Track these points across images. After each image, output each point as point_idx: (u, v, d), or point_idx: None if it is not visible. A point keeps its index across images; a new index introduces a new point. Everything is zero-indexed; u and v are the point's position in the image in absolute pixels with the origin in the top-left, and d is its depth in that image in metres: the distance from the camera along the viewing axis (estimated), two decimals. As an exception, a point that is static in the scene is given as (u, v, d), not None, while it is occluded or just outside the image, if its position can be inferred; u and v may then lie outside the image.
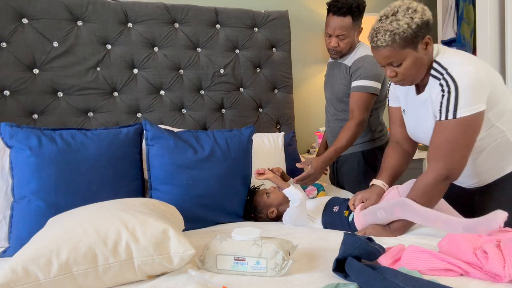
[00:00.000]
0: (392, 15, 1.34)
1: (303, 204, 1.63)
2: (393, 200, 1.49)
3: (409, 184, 1.53)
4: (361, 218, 1.56)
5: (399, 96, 1.61)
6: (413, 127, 1.57)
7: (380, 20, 1.36)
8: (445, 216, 1.36)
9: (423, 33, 1.33)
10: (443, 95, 1.34)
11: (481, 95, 1.32)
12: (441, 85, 1.35)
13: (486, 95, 1.33)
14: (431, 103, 1.42)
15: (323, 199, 1.72)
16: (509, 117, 1.43)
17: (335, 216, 1.64)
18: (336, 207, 1.66)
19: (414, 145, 1.67)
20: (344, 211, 1.63)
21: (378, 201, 1.60)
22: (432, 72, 1.40)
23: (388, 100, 1.70)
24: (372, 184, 1.66)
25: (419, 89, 1.48)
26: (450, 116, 1.32)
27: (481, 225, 1.28)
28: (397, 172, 1.66)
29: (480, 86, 1.32)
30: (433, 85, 1.40)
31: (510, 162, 1.47)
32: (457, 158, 1.36)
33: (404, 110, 1.59)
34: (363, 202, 1.62)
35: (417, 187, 1.42)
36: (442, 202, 1.47)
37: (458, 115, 1.31)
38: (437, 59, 1.40)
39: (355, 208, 1.61)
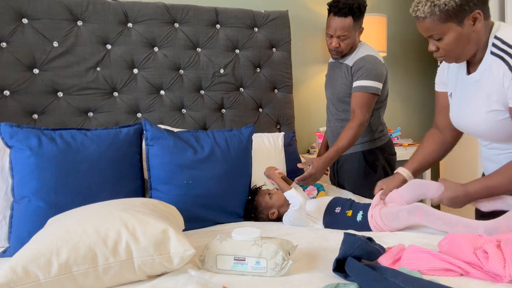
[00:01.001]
0: None
1: (303, 208, 1.63)
2: (416, 204, 1.47)
3: (409, 187, 1.52)
4: (378, 219, 1.53)
5: (447, 80, 1.50)
6: (457, 113, 1.45)
7: None
8: (466, 219, 1.35)
9: (471, 7, 1.22)
10: (507, 73, 1.21)
11: None
12: (506, 61, 1.22)
13: None
14: (489, 84, 1.29)
15: (325, 200, 1.72)
16: None
17: (337, 217, 1.63)
18: (338, 208, 1.66)
19: (457, 135, 1.56)
20: (347, 211, 1.63)
21: (395, 187, 1.57)
22: (492, 49, 1.27)
23: (435, 84, 1.58)
24: (396, 172, 1.63)
25: (470, 69, 1.38)
26: None
27: (502, 224, 1.26)
28: (427, 161, 1.59)
29: None
30: (493, 64, 1.27)
31: None
32: None
33: (451, 94, 1.48)
34: (382, 189, 1.60)
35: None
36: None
37: None
38: (498, 34, 1.26)
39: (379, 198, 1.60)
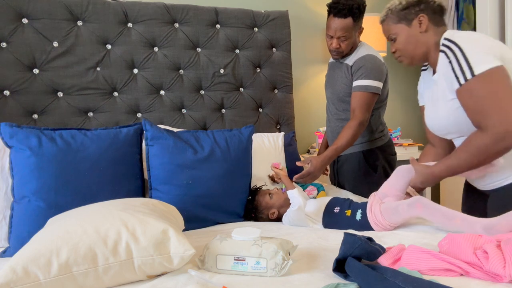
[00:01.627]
0: None
1: (301, 209, 1.63)
2: (416, 197, 1.48)
3: (397, 174, 1.56)
4: (378, 214, 1.54)
5: (422, 92, 1.62)
6: (428, 116, 1.55)
7: None
8: (463, 214, 1.37)
9: (416, 11, 1.45)
10: (450, 61, 1.32)
11: (491, 52, 1.27)
12: (443, 52, 1.35)
13: (497, 55, 1.27)
14: (441, 79, 1.40)
15: (324, 200, 1.72)
16: None
17: (336, 217, 1.63)
18: (337, 208, 1.66)
19: (446, 145, 1.61)
20: (346, 211, 1.63)
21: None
22: (440, 47, 1.39)
23: (419, 100, 1.69)
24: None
25: (434, 72, 1.50)
26: (469, 75, 1.27)
27: (501, 223, 1.27)
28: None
29: (486, 45, 1.29)
30: (440, 58, 1.40)
31: None
32: (506, 110, 1.24)
33: (425, 103, 1.59)
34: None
35: (469, 145, 1.32)
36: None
37: (476, 72, 1.26)
38: (446, 35, 1.39)
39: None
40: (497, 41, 1.36)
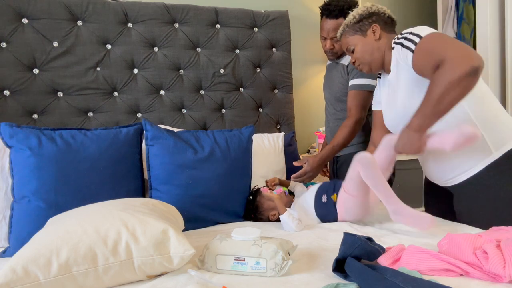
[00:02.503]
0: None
1: (296, 230, 1.59)
2: (361, 153, 1.52)
3: (382, 144, 1.56)
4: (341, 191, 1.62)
5: (380, 97, 1.69)
6: (387, 115, 1.62)
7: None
8: (392, 193, 1.45)
9: (370, 22, 1.57)
10: (402, 44, 1.40)
11: (428, 28, 1.38)
12: (396, 43, 1.45)
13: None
14: (399, 72, 1.47)
15: (309, 194, 1.74)
16: (477, 100, 1.41)
17: (326, 207, 1.67)
18: (324, 196, 1.69)
19: None
20: (332, 196, 1.66)
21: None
22: (393, 45, 1.48)
23: (372, 104, 1.77)
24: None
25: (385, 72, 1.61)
26: (417, 39, 1.35)
27: (411, 217, 1.40)
28: None
29: (436, 32, 1.37)
30: (394, 54, 1.48)
31: (482, 155, 1.43)
32: (461, 46, 1.25)
33: (382, 106, 1.66)
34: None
35: (439, 77, 1.25)
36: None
37: (423, 34, 1.35)
38: (397, 35, 1.49)
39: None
40: None
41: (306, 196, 1.75)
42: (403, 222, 1.46)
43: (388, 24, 1.60)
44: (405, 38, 1.40)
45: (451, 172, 1.50)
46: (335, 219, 1.66)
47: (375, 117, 1.75)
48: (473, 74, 1.21)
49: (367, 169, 1.45)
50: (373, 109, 1.76)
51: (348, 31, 1.61)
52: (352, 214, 1.63)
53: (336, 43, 1.99)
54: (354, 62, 1.64)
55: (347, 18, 1.62)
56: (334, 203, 1.65)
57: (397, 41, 1.46)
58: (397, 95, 1.51)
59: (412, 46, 1.37)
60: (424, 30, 1.37)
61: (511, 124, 1.46)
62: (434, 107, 1.28)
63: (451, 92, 1.23)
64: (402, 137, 1.40)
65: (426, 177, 1.73)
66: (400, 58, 1.44)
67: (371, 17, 1.58)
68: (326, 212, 1.66)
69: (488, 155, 1.42)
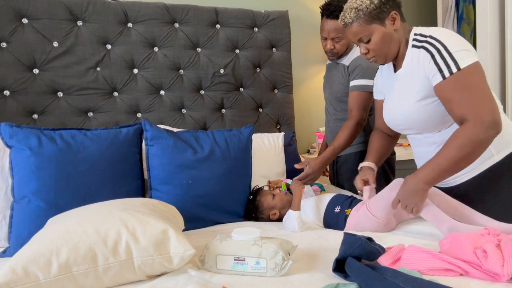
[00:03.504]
0: None
1: (295, 232, 1.59)
2: (397, 179, 1.47)
3: (379, 199, 1.51)
4: (369, 204, 1.53)
5: (382, 87, 1.65)
6: (388, 111, 1.57)
7: (348, 1, 1.45)
8: (439, 211, 1.37)
9: (388, 9, 1.39)
10: (432, 56, 1.33)
11: (469, 49, 1.32)
12: (425, 48, 1.35)
13: (474, 52, 1.32)
14: (413, 75, 1.41)
15: (325, 200, 1.72)
16: None
17: (337, 217, 1.63)
18: (337, 207, 1.65)
19: (396, 133, 1.71)
20: (346, 210, 1.62)
21: (373, 177, 1.65)
22: (414, 43, 1.41)
23: (373, 93, 1.75)
24: (361, 167, 1.70)
25: (397, 67, 1.51)
26: (454, 69, 1.29)
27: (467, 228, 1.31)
28: (383, 154, 1.73)
29: (465, 43, 1.33)
30: (415, 55, 1.40)
31: (484, 157, 1.42)
32: (490, 101, 1.28)
33: (385, 97, 1.62)
34: (365, 183, 1.65)
35: (457, 139, 1.29)
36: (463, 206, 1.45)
37: (462, 66, 1.28)
38: (416, 31, 1.42)
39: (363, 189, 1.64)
40: None
41: (318, 200, 1.73)
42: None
43: (400, 8, 1.46)
44: (440, 54, 1.31)
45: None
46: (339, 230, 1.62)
47: (378, 106, 1.72)
48: (493, 135, 1.28)
49: (428, 206, 1.38)
50: (374, 98, 1.74)
51: (362, 19, 1.39)
52: (361, 230, 1.52)
53: (337, 43, 1.98)
54: (366, 53, 1.46)
55: (358, 2, 1.40)
56: (346, 217, 1.60)
57: (418, 43, 1.38)
58: (406, 96, 1.45)
59: (446, 72, 1.30)
60: (462, 56, 1.29)
61: (509, 127, 1.46)
62: (449, 163, 1.31)
63: (469, 153, 1.29)
64: (407, 186, 1.37)
65: None
66: (420, 63, 1.37)
67: (389, 2, 1.40)
68: (335, 222, 1.63)
69: (489, 157, 1.42)
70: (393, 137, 1.75)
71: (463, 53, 1.30)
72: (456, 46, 1.31)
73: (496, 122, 1.27)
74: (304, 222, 1.62)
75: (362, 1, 1.39)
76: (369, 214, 1.50)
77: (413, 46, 1.41)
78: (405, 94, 1.46)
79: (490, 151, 1.42)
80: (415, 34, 1.42)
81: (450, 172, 1.34)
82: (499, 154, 1.43)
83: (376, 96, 1.72)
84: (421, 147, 1.54)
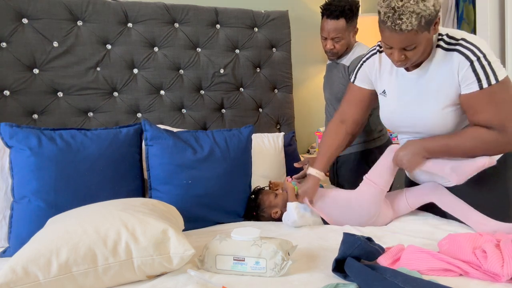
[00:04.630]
0: None
1: (296, 224, 1.61)
2: (392, 145, 1.52)
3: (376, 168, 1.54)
4: (368, 176, 1.57)
5: (375, 79, 1.57)
6: (394, 111, 1.53)
7: (402, 1, 1.22)
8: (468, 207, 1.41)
9: (436, 15, 1.26)
10: (472, 62, 1.29)
11: (499, 61, 1.35)
12: (461, 53, 1.31)
13: None
14: (439, 79, 1.36)
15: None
16: None
17: None
18: None
19: (359, 128, 1.70)
20: None
21: (315, 191, 1.63)
22: (441, 43, 1.36)
23: (355, 79, 1.65)
24: (309, 174, 1.67)
25: (409, 67, 1.43)
26: (493, 81, 1.30)
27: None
28: (333, 155, 1.69)
29: (494, 54, 1.35)
30: (442, 56, 1.35)
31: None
32: None
33: (384, 91, 1.55)
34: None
35: (479, 134, 1.35)
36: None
37: (500, 78, 1.31)
38: (442, 32, 1.37)
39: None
40: None
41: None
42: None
43: None
44: (480, 63, 1.30)
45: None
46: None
47: (355, 93, 1.64)
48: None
49: (443, 195, 1.44)
50: (356, 84, 1.64)
51: (422, 27, 1.22)
52: (361, 203, 1.54)
53: (337, 43, 1.98)
54: (403, 60, 1.32)
55: (421, 6, 1.20)
56: None
57: (448, 46, 1.34)
58: (428, 101, 1.40)
59: (485, 82, 1.30)
60: (499, 67, 1.31)
61: None
62: (459, 150, 1.37)
63: (483, 151, 1.35)
64: (410, 146, 1.42)
65: (407, 178, 1.72)
66: (453, 68, 1.33)
67: (439, 8, 1.26)
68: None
69: (487, 157, 1.42)
70: (351, 133, 1.70)
71: (498, 63, 1.33)
72: (493, 55, 1.32)
73: None
74: (303, 215, 1.63)
75: (425, 6, 1.20)
76: (369, 182, 1.52)
77: (441, 47, 1.35)
78: (424, 99, 1.41)
79: None
80: (441, 35, 1.36)
81: (452, 156, 1.40)
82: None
83: (358, 82, 1.62)
84: None
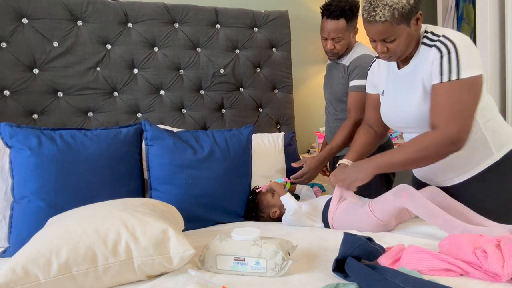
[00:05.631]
0: None
1: (298, 212, 1.64)
2: (401, 185, 1.45)
3: (383, 200, 1.51)
4: (371, 205, 1.53)
5: (377, 81, 1.64)
6: (389, 108, 1.56)
7: None
8: (447, 215, 1.35)
9: (416, 8, 1.34)
10: (441, 56, 1.32)
11: (477, 59, 1.32)
12: (437, 47, 1.34)
13: (480, 63, 1.33)
14: (423, 73, 1.39)
15: (323, 199, 1.72)
16: (484, 111, 1.43)
17: None
18: None
19: (384, 129, 1.72)
20: None
21: None
22: (424, 40, 1.40)
23: (365, 86, 1.73)
24: (339, 164, 1.69)
25: (400, 63, 1.49)
26: (454, 76, 1.30)
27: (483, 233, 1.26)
28: (365, 152, 1.71)
29: (476, 51, 1.34)
30: (425, 52, 1.39)
31: (484, 156, 1.45)
32: (467, 120, 1.32)
33: (383, 91, 1.59)
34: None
35: (419, 141, 1.37)
36: (466, 209, 1.44)
37: (462, 76, 1.29)
38: (428, 29, 1.41)
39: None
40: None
41: (315, 202, 1.74)
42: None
43: None
44: (449, 57, 1.31)
45: (452, 172, 1.50)
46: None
47: (370, 99, 1.70)
48: (452, 151, 1.34)
49: (417, 200, 1.38)
50: (367, 91, 1.71)
51: (396, 18, 1.30)
52: (360, 229, 1.53)
53: (337, 43, 1.98)
54: (385, 52, 1.39)
55: (394, 1, 1.29)
56: None
57: (429, 42, 1.36)
58: (411, 94, 1.44)
59: (445, 76, 1.31)
60: (467, 66, 1.29)
61: (506, 126, 1.48)
62: (406, 164, 1.41)
63: (424, 157, 1.36)
64: (357, 165, 1.49)
65: (414, 177, 1.71)
66: (429, 62, 1.36)
67: (420, 1, 1.34)
68: None
69: (489, 156, 1.42)
70: (380, 134, 1.74)
71: (472, 63, 1.30)
72: (470, 54, 1.31)
73: (459, 140, 1.32)
74: (300, 206, 1.65)
75: (398, 1, 1.30)
76: (371, 215, 1.50)
77: (424, 44, 1.39)
78: (410, 93, 1.44)
79: (490, 149, 1.42)
80: (426, 32, 1.40)
81: (401, 168, 1.44)
82: (498, 152, 1.43)
83: (369, 89, 1.71)
84: None
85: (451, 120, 1.31)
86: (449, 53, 1.31)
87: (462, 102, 1.31)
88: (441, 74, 1.32)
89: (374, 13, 1.32)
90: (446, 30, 1.38)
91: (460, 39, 1.34)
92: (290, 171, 2.16)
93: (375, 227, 1.50)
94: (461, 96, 1.31)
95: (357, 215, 1.55)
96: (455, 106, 1.31)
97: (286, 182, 1.88)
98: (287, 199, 1.66)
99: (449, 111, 1.32)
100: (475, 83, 1.32)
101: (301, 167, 1.92)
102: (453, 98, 1.31)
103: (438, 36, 1.36)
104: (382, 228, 1.51)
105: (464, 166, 1.47)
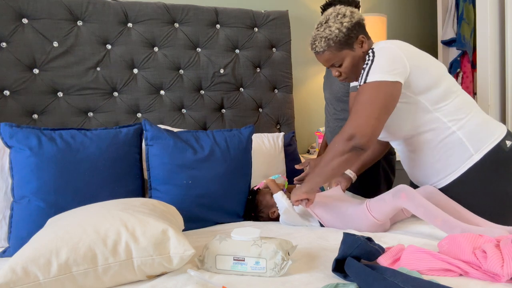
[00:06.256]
0: (325, 22, 1.49)
1: (289, 211, 1.64)
2: (400, 186, 1.46)
3: (379, 201, 1.52)
4: (369, 205, 1.53)
5: None
6: None
7: (316, 28, 1.51)
8: (446, 216, 1.35)
9: (355, 33, 1.47)
10: (364, 66, 1.44)
11: (393, 68, 1.38)
12: (366, 60, 1.45)
13: (401, 71, 1.38)
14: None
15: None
16: (457, 113, 1.45)
17: None
18: None
19: (385, 142, 1.77)
20: None
21: (347, 185, 1.74)
22: (366, 57, 1.49)
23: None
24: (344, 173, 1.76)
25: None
26: (362, 81, 1.41)
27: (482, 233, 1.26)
28: (366, 162, 1.79)
29: (396, 60, 1.39)
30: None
31: (464, 157, 1.45)
32: (363, 118, 1.37)
33: None
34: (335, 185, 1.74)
35: (330, 146, 1.46)
36: (465, 210, 1.44)
37: (368, 80, 1.39)
38: (373, 46, 1.49)
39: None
40: (413, 50, 1.46)
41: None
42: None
43: (365, 28, 1.52)
44: (367, 65, 1.42)
45: (435, 176, 1.52)
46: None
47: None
48: (354, 151, 1.38)
49: (416, 200, 1.39)
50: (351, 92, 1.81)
51: (333, 47, 1.47)
52: (358, 228, 1.54)
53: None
54: (339, 76, 1.55)
55: (327, 31, 1.46)
56: None
57: (366, 58, 1.46)
58: None
59: (360, 79, 1.42)
60: (374, 71, 1.38)
61: (486, 125, 1.47)
62: (326, 169, 1.45)
63: (336, 160, 1.41)
64: (305, 185, 1.55)
65: (411, 181, 1.73)
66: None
67: (355, 27, 1.47)
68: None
69: (469, 157, 1.44)
70: (380, 148, 1.79)
71: (383, 68, 1.37)
72: (381, 60, 1.39)
73: (355, 136, 1.36)
74: (292, 205, 1.65)
75: (331, 31, 1.46)
76: (368, 215, 1.50)
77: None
78: None
79: (469, 150, 1.43)
80: (372, 48, 1.48)
81: (334, 176, 1.51)
82: (477, 153, 1.43)
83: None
84: (399, 152, 1.67)
85: (350, 120, 1.40)
86: (368, 60, 1.43)
87: (361, 103, 1.39)
88: (360, 81, 1.43)
89: (314, 46, 1.50)
90: (380, 43, 1.46)
91: (381, 49, 1.42)
92: (290, 172, 2.16)
93: (372, 227, 1.50)
94: (362, 98, 1.39)
95: (354, 215, 1.55)
96: (356, 106, 1.40)
97: (285, 180, 1.88)
98: (278, 198, 1.67)
99: (352, 112, 1.41)
100: (378, 87, 1.37)
101: (303, 169, 1.92)
102: (358, 100, 1.41)
103: (372, 49, 1.45)
104: (379, 228, 1.51)
105: (446, 169, 1.48)
